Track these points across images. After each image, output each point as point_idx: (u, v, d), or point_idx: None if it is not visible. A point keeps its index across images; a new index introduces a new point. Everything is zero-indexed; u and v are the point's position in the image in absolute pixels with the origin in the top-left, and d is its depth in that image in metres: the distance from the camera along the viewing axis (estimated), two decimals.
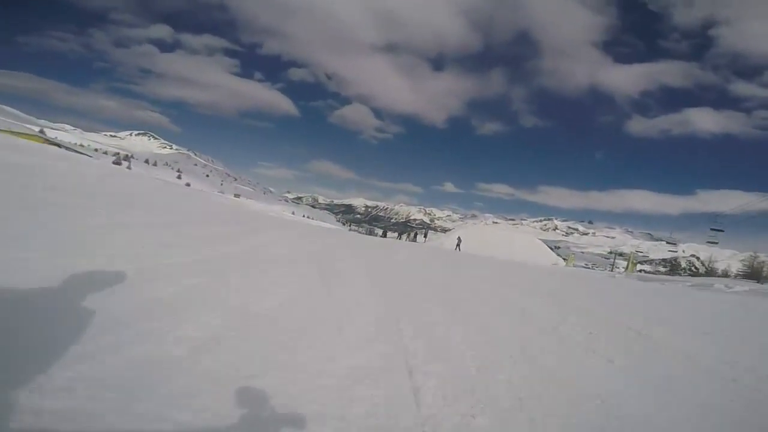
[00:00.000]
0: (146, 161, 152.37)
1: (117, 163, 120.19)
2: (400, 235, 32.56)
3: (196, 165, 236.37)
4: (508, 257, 23.09)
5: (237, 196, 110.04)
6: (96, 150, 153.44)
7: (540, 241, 27.98)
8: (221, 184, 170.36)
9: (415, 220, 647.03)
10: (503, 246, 24.46)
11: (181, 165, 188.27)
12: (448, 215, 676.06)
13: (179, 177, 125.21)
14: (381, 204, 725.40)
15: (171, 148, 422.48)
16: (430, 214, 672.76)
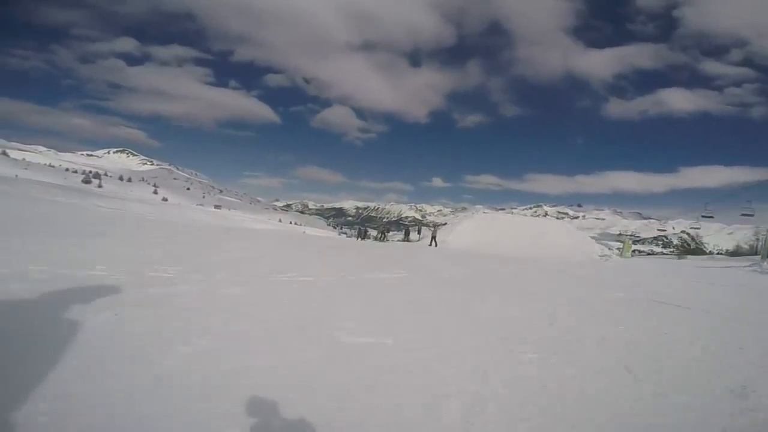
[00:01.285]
0: (120, 178, 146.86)
1: (86, 182, 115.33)
2: (382, 234, 25.56)
3: (176, 179, 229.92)
4: (540, 252, 19.50)
5: (218, 207, 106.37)
6: (67, 170, 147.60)
7: (573, 228, 24.15)
8: (203, 197, 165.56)
9: (407, 217, 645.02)
10: (524, 237, 20.96)
11: (160, 180, 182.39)
12: (439, 210, 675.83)
13: (155, 192, 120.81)
14: (372, 204, 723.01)
15: (152, 164, 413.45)
16: (421, 210, 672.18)
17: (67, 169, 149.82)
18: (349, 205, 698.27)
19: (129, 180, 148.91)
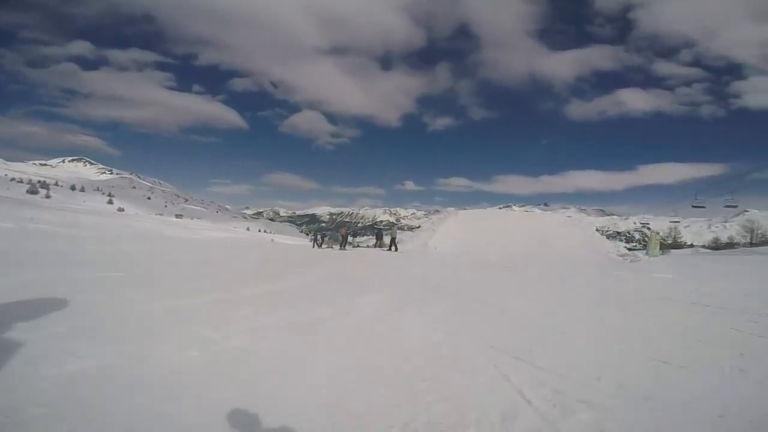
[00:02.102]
0: (72, 188, 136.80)
1: (32, 192, 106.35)
2: (344, 239, 18.22)
3: (135, 188, 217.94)
4: (546, 252, 16.96)
5: (179, 216, 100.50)
6: (12, 179, 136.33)
7: (579, 221, 21.26)
8: (165, 206, 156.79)
9: (381, 221, 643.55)
10: (523, 236, 18.54)
11: (118, 190, 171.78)
12: (412, 213, 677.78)
13: (110, 202, 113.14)
14: (346, 210, 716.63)
15: (110, 173, 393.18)
16: (395, 214, 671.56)
17: (12, 179, 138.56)
18: (322, 211, 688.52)
19: (82, 189, 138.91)
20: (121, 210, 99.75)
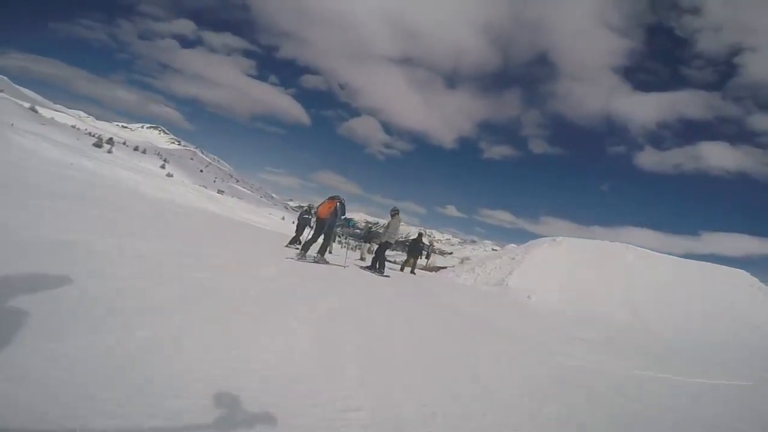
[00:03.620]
0: (135, 148, 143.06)
1: (97, 146, 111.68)
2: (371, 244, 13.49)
3: (192, 159, 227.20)
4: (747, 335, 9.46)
5: (221, 192, 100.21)
6: (88, 133, 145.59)
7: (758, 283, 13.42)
8: (213, 181, 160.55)
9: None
10: (683, 292, 11.28)
11: (177, 158, 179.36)
12: (447, 239, 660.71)
13: (163, 167, 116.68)
14: (382, 221, 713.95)
15: (179, 144, 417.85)
16: (430, 236, 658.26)
17: (89, 133, 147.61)
18: (359, 217, 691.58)
19: (144, 152, 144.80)
20: (170, 175, 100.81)
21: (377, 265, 9.15)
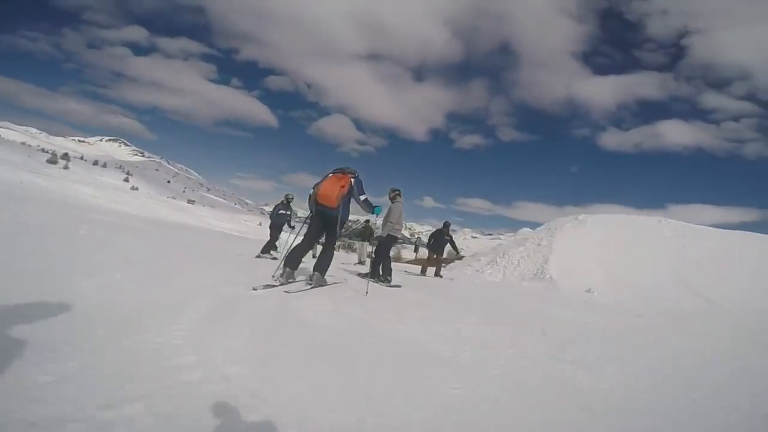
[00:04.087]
0: (95, 163, 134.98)
1: (52, 162, 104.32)
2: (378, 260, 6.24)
3: (157, 170, 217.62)
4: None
5: (191, 202, 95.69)
6: (42, 150, 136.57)
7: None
8: (183, 191, 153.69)
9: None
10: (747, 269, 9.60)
11: (141, 170, 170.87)
12: (428, 230, 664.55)
13: (126, 180, 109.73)
14: (362, 218, 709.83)
15: (142, 155, 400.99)
16: (410, 228, 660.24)
17: (42, 150, 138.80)
18: None
19: (104, 166, 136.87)
20: (134, 189, 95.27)
21: (380, 270, 6.47)
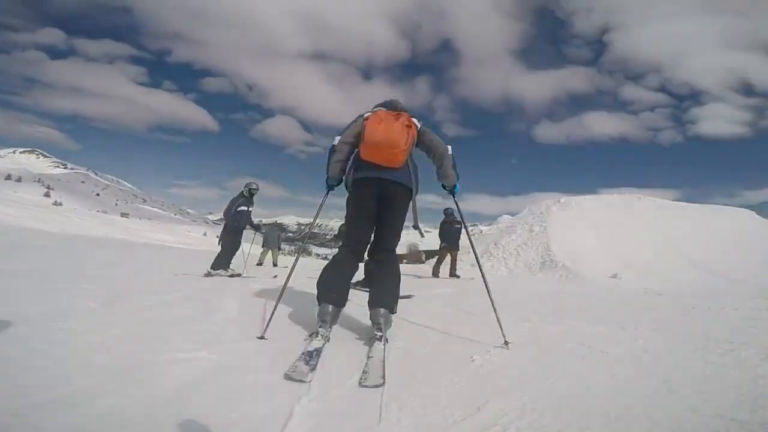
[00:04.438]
0: (7, 177, 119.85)
1: None
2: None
3: (83, 182, 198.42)
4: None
5: (125, 215, 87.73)
6: None
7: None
8: (115, 204, 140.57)
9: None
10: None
11: (64, 184, 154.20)
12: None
13: (47, 195, 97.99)
14: (317, 221, 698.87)
15: (65, 167, 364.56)
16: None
17: None
18: (289, 220, 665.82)
19: (18, 180, 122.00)
20: (57, 204, 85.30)
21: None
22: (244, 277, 6.18)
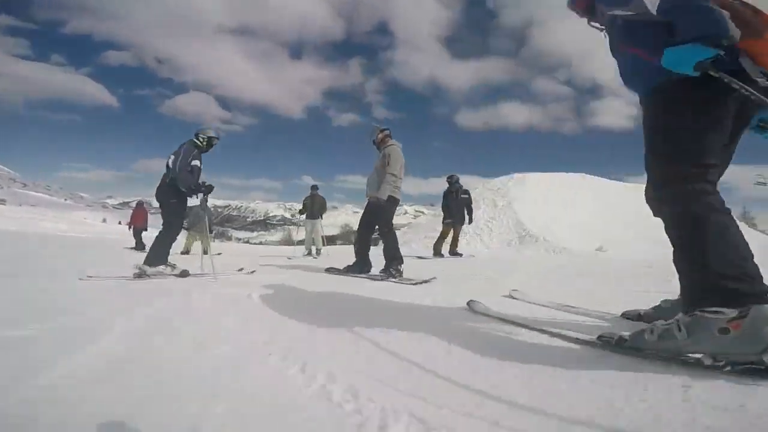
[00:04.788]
0: None
1: None
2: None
3: None
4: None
5: (1, 202, 74.49)
6: None
7: None
8: None
9: (275, 216, 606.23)
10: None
11: None
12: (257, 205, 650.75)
13: None
14: (234, 203, 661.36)
15: None
16: (291, 209, 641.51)
17: None
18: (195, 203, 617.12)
19: None
20: None
21: (389, 261, 4.10)
22: (207, 275, 4.12)
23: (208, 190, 4.45)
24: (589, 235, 8.52)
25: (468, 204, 7.95)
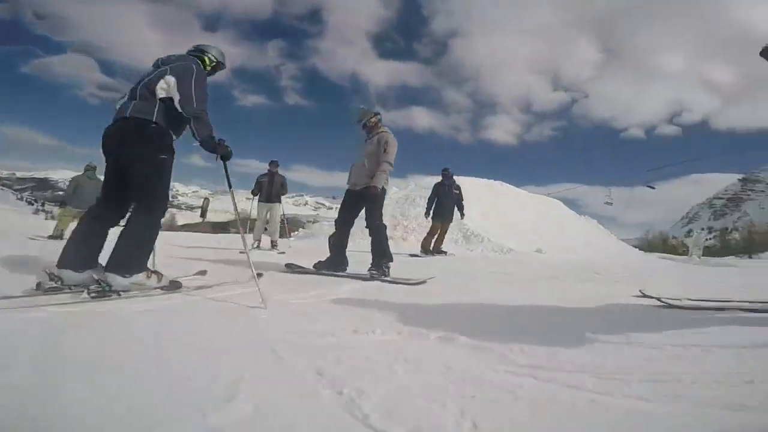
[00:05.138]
0: None
1: None
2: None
3: None
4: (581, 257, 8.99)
5: None
6: None
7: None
8: None
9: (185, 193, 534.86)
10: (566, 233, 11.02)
11: None
12: (194, 191, 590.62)
13: None
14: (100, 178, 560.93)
15: None
16: (172, 188, 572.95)
17: None
18: (61, 175, 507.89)
19: None
20: None
21: (379, 258, 3.80)
22: (228, 290, 2.65)
23: (226, 152, 2.68)
24: (522, 236, 9.44)
25: (459, 200, 7.82)
